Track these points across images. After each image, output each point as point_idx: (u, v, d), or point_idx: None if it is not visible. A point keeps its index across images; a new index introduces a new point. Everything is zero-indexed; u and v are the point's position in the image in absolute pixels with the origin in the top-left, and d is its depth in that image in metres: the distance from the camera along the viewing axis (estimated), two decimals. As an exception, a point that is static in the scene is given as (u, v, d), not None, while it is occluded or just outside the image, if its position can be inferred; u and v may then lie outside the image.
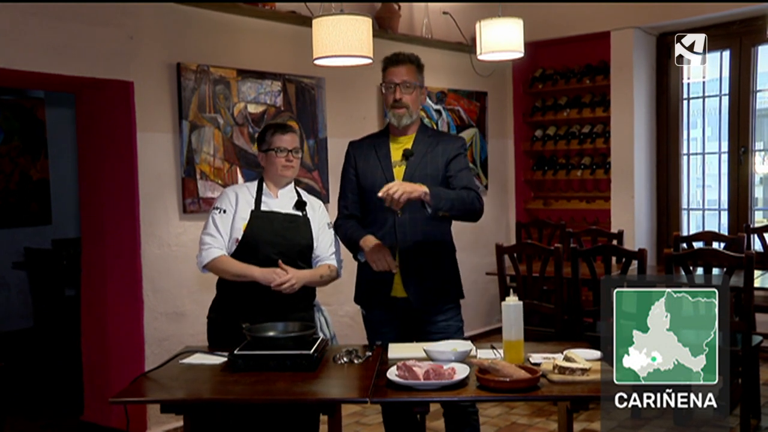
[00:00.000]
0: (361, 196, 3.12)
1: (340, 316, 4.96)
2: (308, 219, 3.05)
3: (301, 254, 3.00)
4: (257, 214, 2.97)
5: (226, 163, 4.54)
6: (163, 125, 4.29)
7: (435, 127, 5.37)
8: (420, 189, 2.76)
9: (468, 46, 6.09)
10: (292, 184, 3.12)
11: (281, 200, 3.05)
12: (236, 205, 2.98)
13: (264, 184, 3.06)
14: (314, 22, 3.36)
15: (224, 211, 2.97)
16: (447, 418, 3.12)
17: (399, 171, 3.07)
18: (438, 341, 2.82)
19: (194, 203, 4.40)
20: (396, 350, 2.76)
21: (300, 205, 3.06)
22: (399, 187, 2.70)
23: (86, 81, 4.06)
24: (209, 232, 2.97)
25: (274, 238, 2.95)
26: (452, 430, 3.11)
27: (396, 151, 3.10)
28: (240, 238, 2.94)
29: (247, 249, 2.94)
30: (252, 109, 4.69)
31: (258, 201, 3.00)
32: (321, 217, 3.11)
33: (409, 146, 3.08)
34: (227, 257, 2.94)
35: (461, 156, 3.08)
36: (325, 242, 3.08)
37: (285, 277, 2.86)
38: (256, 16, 4.70)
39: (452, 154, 3.06)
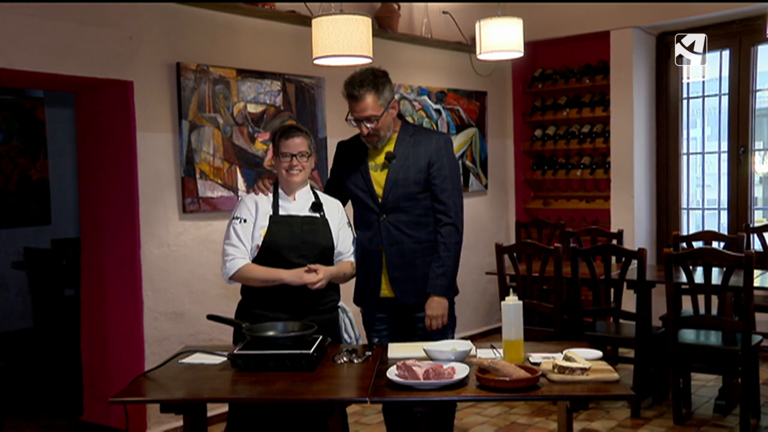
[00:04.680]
0: (349, 196, 3.22)
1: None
2: (326, 220, 3.03)
3: (322, 256, 2.99)
4: (276, 219, 2.95)
5: (225, 162, 4.54)
6: (163, 125, 4.28)
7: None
8: (443, 311, 3.05)
9: (468, 45, 6.09)
10: (308, 185, 3.09)
11: (299, 203, 3.02)
12: (256, 213, 2.95)
13: (280, 188, 3.04)
14: (314, 21, 3.37)
15: (244, 221, 2.94)
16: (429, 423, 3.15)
17: (381, 175, 3.10)
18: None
19: (194, 203, 4.40)
20: (396, 350, 2.76)
21: (316, 206, 3.03)
22: (435, 322, 3.05)
23: (86, 81, 4.06)
24: (231, 242, 2.93)
25: (294, 242, 2.93)
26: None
27: (378, 155, 3.12)
28: (260, 244, 2.92)
29: (268, 255, 2.92)
30: (252, 108, 4.69)
31: (276, 206, 2.98)
32: (341, 216, 3.10)
33: (391, 148, 3.09)
34: (252, 265, 2.91)
35: (443, 158, 3.07)
36: (346, 241, 3.08)
37: (315, 278, 2.86)
38: (256, 16, 4.70)
39: (435, 156, 3.06)
